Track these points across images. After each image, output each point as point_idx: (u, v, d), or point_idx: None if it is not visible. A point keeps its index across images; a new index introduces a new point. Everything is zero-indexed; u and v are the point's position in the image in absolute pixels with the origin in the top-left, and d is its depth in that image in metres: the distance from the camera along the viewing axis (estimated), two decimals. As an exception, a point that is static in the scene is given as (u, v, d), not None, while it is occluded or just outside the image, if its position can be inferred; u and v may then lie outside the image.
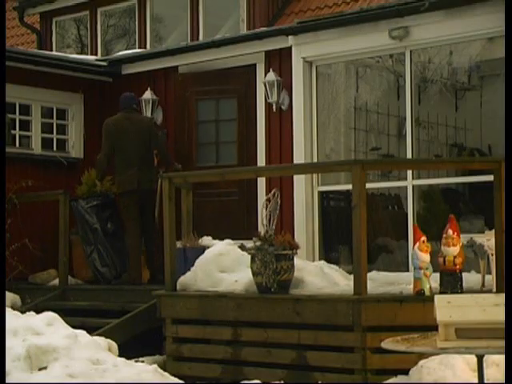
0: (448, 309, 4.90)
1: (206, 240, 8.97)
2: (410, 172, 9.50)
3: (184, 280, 8.16)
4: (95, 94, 11.79)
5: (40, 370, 5.49)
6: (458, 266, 6.97)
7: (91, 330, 7.52)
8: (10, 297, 9.75)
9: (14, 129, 11.07)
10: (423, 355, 6.24)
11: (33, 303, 9.79)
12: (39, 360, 5.53)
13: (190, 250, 8.75)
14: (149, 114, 11.38)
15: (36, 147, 11.30)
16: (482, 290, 7.38)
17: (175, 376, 6.22)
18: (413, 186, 9.54)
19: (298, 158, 10.11)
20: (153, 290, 8.46)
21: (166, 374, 5.99)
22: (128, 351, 6.92)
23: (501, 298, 4.86)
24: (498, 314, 4.71)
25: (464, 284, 7.03)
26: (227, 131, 11.03)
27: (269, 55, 10.55)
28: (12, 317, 6.18)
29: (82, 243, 10.59)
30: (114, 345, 6.27)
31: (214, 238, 8.93)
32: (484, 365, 5.08)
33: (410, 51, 9.58)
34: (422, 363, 6.32)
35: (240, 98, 10.90)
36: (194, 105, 11.22)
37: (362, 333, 6.89)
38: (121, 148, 10.13)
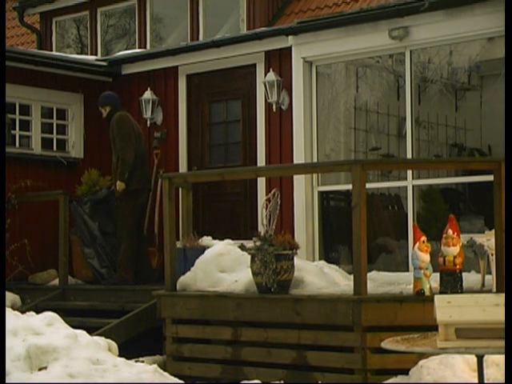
0: (448, 309, 4.90)
1: (206, 240, 8.97)
2: (409, 172, 9.50)
3: (184, 280, 8.15)
4: (95, 93, 11.76)
5: (40, 369, 5.50)
6: (458, 266, 6.97)
7: (91, 330, 7.52)
8: (9, 297, 9.75)
9: (14, 129, 11.07)
10: (423, 355, 6.24)
11: (33, 303, 9.80)
12: (39, 360, 5.54)
13: (189, 250, 8.75)
14: (149, 114, 11.41)
15: (36, 147, 11.30)
16: (482, 289, 7.38)
17: (175, 376, 6.23)
18: (413, 186, 9.54)
19: (298, 157, 10.11)
20: (153, 290, 8.46)
21: (166, 373, 5.99)
22: (128, 351, 6.92)
23: (501, 298, 4.86)
24: (498, 314, 4.71)
25: (464, 284, 7.03)
26: (234, 132, 11.07)
27: (269, 55, 10.55)
28: (12, 317, 6.18)
29: (81, 244, 10.58)
30: (114, 345, 6.28)
31: (217, 238, 8.94)
32: (484, 365, 5.08)
33: (410, 51, 9.58)
34: (422, 363, 6.32)
35: (244, 98, 10.92)
36: (206, 107, 11.23)
37: (362, 333, 6.89)
38: (138, 146, 10.21)
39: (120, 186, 10.04)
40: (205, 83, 11.23)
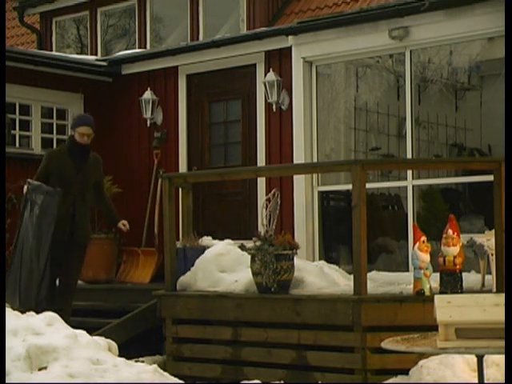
0: (448, 309, 4.89)
1: (206, 240, 8.97)
2: (409, 172, 9.51)
3: (184, 280, 8.15)
4: (95, 93, 11.79)
5: (40, 369, 5.49)
6: (458, 266, 6.97)
7: (91, 330, 7.51)
8: (10, 297, 9.72)
9: (14, 129, 11.07)
10: (423, 355, 6.24)
11: (33, 303, 9.78)
12: (39, 360, 5.53)
13: (189, 250, 8.75)
14: (149, 114, 11.41)
15: (36, 147, 11.30)
16: (482, 289, 7.38)
17: (175, 376, 6.21)
18: (413, 186, 9.55)
19: (298, 158, 10.11)
20: (153, 290, 8.46)
21: (166, 373, 5.98)
22: (128, 351, 6.92)
23: (501, 298, 4.86)
24: (498, 314, 4.70)
25: (464, 284, 7.03)
26: (234, 132, 11.07)
27: (269, 55, 10.55)
28: (12, 317, 6.17)
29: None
30: (114, 345, 6.26)
31: (217, 238, 8.94)
32: (484, 365, 5.08)
33: (410, 51, 9.58)
34: (422, 363, 6.32)
35: (244, 98, 10.92)
36: (206, 107, 11.23)
37: (362, 333, 6.88)
38: None
39: (126, 226, 8.39)
40: (205, 83, 11.23)
